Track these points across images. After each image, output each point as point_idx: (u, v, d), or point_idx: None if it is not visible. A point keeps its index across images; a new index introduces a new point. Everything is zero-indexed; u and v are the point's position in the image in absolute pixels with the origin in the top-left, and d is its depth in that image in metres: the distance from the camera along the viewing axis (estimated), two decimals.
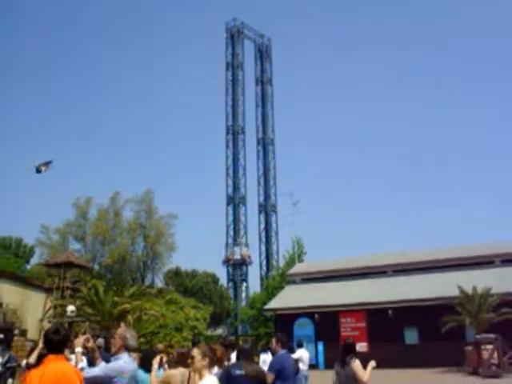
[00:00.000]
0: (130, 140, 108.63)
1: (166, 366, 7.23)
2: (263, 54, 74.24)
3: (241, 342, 7.67)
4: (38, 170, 23.90)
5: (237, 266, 62.51)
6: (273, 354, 8.06)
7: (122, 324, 20.50)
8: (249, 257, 63.58)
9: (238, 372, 5.91)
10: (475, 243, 32.54)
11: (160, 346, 10.15)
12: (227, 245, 63.22)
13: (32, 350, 12.73)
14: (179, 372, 6.11)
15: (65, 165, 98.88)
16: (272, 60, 75.10)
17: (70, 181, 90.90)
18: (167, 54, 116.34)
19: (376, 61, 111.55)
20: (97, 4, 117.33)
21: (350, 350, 7.13)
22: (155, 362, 6.74)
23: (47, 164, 24.08)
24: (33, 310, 29.97)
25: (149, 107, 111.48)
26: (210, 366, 4.97)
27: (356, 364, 6.81)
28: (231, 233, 64.45)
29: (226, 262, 63.07)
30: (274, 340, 7.80)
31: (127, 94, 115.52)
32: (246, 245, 63.94)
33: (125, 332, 5.07)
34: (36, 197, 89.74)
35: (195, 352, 4.88)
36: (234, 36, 71.70)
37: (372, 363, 6.90)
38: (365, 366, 6.89)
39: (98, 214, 53.01)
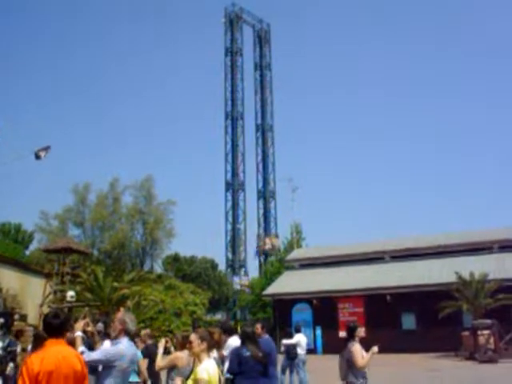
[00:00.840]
0: (129, 126, 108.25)
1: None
2: (262, 40, 73.79)
3: (243, 326, 7.87)
4: (37, 156, 23.86)
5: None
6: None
7: (122, 309, 20.66)
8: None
9: (248, 353, 6.36)
10: (473, 229, 32.67)
11: (144, 332, 10.43)
12: (226, 231, 63.35)
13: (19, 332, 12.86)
14: (185, 354, 6.21)
15: (64, 151, 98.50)
16: (271, 45, 74.69)
17: (69, 167, 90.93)
18: (165, 40, 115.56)
19: (378, 47, 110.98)
20: None
21: (349, 334, 7.18)
22: (160, 346, 6.83)
23: (46, 149, 24.04)
24: (33, 295, 30.12)
25: (147, 93, 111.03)
26: (209, 349, 5.04)
27: (354, 348, 6.85)
28: (230, 219, 64.56)
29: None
30: (258, 326, 8.17)
31: (126, 80, 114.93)
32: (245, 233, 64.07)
33: (124, 316, 5.12)
34: (35, 183, 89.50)
35: (193, 337, 4.95)
36: (233, 21, 71.20)
37: (374, 349, 6.92)
38: (367, 351, 6.93)
39: (97, 199, 53.07)
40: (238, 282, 62.13)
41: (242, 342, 6.67)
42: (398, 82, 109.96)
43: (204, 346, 4.89)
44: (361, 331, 7.52)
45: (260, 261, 63.35)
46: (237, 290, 55.30)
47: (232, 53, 70.24)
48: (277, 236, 65.41)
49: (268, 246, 64.15)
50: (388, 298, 27.61)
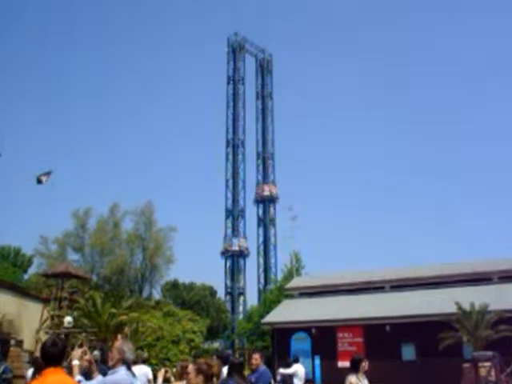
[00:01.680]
0: (131, 151, 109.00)
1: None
2: (264, 69, 74.72)
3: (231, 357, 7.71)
4: (39, 181, 24.00)
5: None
6: (254, 368, 8.08)
7: (119, 336, 20.50)
8: (246, 248, 64.66)
9: None
10: (473, 259, 32.55)
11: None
12: (226, 257, 63.12)
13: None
14: None
15: (65, 175, 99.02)
16: (273, 75, 75.61)
17: (70, 191, 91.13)
18: (168, 67, 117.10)
19: (376, 73, 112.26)
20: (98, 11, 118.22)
21: (353, 367, 7.13)
22: (160, 376, 6.82)
23: (47, 174, 24.19)
24: (30, 320, 29.89)
25: (149, 119, 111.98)
26: (206, 382, 5.01)
27: (348, 381, 6.81)
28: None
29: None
30: (257, 356, 7.95)
31: (127, 105, 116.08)
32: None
33: (122, 345, 5.13)
34: (36, 207, 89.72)
35: (190, 368, 4.95)
36: (236, 50, 72.23)
37: None
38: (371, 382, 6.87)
39: (97, 224, 52.98)
40: (237, 243, 62.18)
41: (229, 374, 6.56)
42: (399, 107, 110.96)
43: (200, 378, 4.89)
44: (366, 365, 7.35)
45: (259, 286, 63.05)
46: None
47: (234, 81, 71.09)
48: (274, 184, 67.05)
49: (266, 193, 65.01)
50: (387, 328, 27.35)
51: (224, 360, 8.56)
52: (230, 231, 64.74)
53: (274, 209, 68.16)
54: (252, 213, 67.59)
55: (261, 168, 70.59)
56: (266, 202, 68.20)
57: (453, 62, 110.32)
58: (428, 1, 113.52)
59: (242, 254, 64.09)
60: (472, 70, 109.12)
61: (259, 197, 68.04)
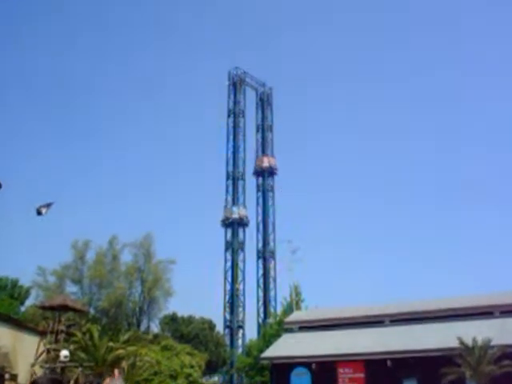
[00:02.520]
0: (130, 184, 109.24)
1: None
2: (264, 102, 75.57)
3: None
4: (39, 212, 23.98)
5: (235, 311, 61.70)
6: None
7: (116, 371, 20.18)
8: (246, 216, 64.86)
9: None
10: (474, 293, 32.26)
11: None
12: (225, 292, 62.66)
13: None
14: None
15: (63, 207, 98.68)
16: (273, 108, 76.42)
17: (69, 223, 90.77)
18: (169, 99, 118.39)
19: (377, 99, 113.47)
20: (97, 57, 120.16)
21: None
22: None
23: (48, 206, 24.19)
24: (25, 353, 29.46)
25: (149, 151, 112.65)
26: None
27: None
28: (229, 279, 63.98)
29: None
30: None
31: (127, 137, 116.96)
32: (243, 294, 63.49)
33: (112, 382, 5.05)
34: (34, 238, 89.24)
35: None
36: (236, 84, 73.17)
37: None
38: None
39: (95, 256, 52.73)
40: (237, 211, 61.66)
41: None
42: (400, 133, 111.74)
43: None
44: None
45: (258, 320, 62.32)
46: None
47: (235, 114, 71.83)
48: (273, 156, 67.32)
49: (265, 165, 65.26)
50: (389, 362, 26.92)
51: None
52: (229, 264, 64.40)
53: (274, 242, 67.96)
54: (252, 247, 67.26)
55: (261, 200, 70.71)
56: (266, 231, 68.03)
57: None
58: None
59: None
60: None
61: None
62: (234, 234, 65.38)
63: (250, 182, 70.99)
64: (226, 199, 67.53)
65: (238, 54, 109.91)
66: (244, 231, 67.03)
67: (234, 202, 67.21)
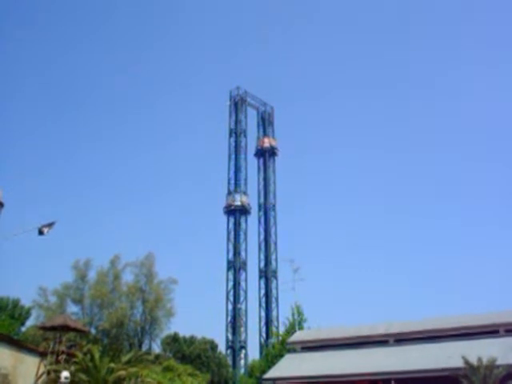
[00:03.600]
0: (132, 203, 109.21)
1: None
2: (266, 122, 75.93)
3: None
4: (41, 232, 23.93)
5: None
6: None
7: None
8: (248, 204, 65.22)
9: None
10: (479, 312, 31.96)
11: None
12: (227, 311, 62.26)
13: None
14: None
15: (65, 227, 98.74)
16: (274, 127, 76.78)
17: (70, 243, 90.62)
18: (170, 118, 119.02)
19: (376, 113, 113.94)
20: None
21: None
22: None
23: (50, 225, 24.15)
24: (25, 374, 29.14)
25: (151, 171, 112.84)
26: None
27: None
28: (231, 298, 63.59)
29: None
30: None
31: (129, 157, 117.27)
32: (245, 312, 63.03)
33: None
34: (35, 258, 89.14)
35: None
36: (238, 104, 73.60)
37: None
38: None
39: (97, 276, 52.52)
40: (239, 199, 61.44)
41: None
42: (401, 146, 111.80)
43: None
44: None
45: (261, 340, 61.76)
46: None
47: (236, 134, 72.10)
48: (274, 138, 70.55)
49: (266, 145, 66.51)
50: (392, 383, 26.61)
51: None
52: (231, 284, 64.05)
53: (276, 261, 67.70)
54: (254, 266, 66.98)
55: (262, 220, 70.62)
56: (268, 251, 67.82)
57: None
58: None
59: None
60: None
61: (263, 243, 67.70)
62: (236, 252, 65.16)
63: (251, 179, 71.17)
64: (228, 217, 67.41)
65: (239, 72, 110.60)
66: (246, 248, 66.85)
67: (236, 227, 67.07)
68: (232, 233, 66.78)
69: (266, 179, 72.16)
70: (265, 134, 73.00)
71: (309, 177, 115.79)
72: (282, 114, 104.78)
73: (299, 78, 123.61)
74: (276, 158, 73.41)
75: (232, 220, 67.39)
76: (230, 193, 68.53)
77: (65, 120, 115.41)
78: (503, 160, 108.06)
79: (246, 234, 67.67)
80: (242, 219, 67.98)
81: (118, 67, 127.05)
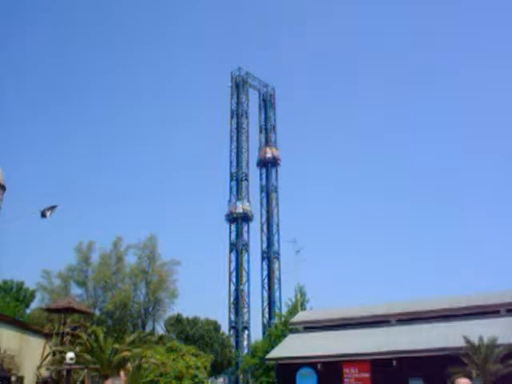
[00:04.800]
0: (135, 186, 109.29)
1: None
2: (267, 103, 75.53)
3: None
4: (43, 215, 23.97)
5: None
6: None
7: (122, 372, 20.18)
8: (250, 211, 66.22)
9: None
10: (480, 292, 32.11)
11: None
12: (230, 293, 62.61)
13: None
14: None
15: (68, 209, 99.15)
16: (276, 108, 76.38)
17: (73, 225, 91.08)
18: (171, 101, 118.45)
19: (376, 97, 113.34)
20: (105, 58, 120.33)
21: None
22: None
23: (52, 208, 24.18)
24: (31, 355, 29.52)
25: (153, 154, 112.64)
26: None
27: None
28: (234, 280, 63.94)
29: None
30: None
31: (128, 140, 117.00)
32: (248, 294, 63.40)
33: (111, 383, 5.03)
34: (39, 241, 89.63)
35: None
36: (239, 85, 73.18)
37: None
38: None
39: (100, 258, 52.80)
40: (241, 206, 61.97)
41: None
42: (400, 135, 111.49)
43: None
44: None
45: (264, 320, 62.24)
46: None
47: (238, 115, 71.81)
48: (276, 147, 69.81)
49: (268, 155, 66.68)
50: (394, 362, 26.83)
51: None
52: (233, 265, 64.34)
53: (278, 243, 67.85)
54: (256, 247, 67.14)
55: (264, 201, 70.66)
56: (270, 232, 67.97)
57: None
58: None
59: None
60: None
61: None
62: (239, 234, 65.30)
63: (253, 181, 71.05)
64: (230, 200, 67.52)
65: (240, 53, 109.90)
66: (248, 229, 67.00)
67: (238, 197, 67.15)
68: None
69: (268, 178, 71.85)
70: (266, 143, 71.69)
71: (309, 159, 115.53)
72: (283, 95, 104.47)
73: (301, 60, 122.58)
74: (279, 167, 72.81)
75: (234, 199, 67.42)
76: (232, 178, 68.57)
77: (72, 104, 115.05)
78: None
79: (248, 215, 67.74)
80: (244, 201, 68.03)
81: (119, 55, 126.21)
